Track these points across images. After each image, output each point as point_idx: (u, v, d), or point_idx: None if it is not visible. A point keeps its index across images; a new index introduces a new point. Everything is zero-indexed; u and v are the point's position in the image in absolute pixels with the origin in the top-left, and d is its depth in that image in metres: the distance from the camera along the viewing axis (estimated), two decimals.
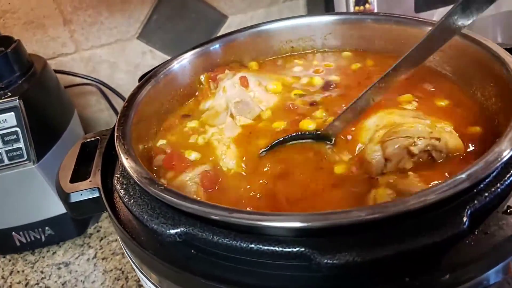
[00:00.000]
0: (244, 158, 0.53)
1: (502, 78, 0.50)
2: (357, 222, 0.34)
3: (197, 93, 0.67)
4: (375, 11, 1.03)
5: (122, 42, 1.09)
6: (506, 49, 0.55)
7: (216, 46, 0.69)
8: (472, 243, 0.37)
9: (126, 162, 0.45)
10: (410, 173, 0.46)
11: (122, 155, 0.46)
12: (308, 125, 0.55)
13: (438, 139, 0.46)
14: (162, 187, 0.40)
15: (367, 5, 1.03)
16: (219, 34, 1.15)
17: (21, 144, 0.81)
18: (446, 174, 0.45)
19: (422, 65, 0.51)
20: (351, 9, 1.02)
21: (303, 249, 0.35)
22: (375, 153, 0.47)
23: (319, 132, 0.53)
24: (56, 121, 0.92)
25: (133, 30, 1.09)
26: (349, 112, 0.52)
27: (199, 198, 0.47)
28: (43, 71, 0.91)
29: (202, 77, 0.65)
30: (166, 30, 1.11)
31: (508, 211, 0.40)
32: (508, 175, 0.40)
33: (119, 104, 1.15)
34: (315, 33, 0.72)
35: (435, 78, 0.61)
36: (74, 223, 0.91)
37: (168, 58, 1.12)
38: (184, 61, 0.65)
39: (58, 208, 0.87)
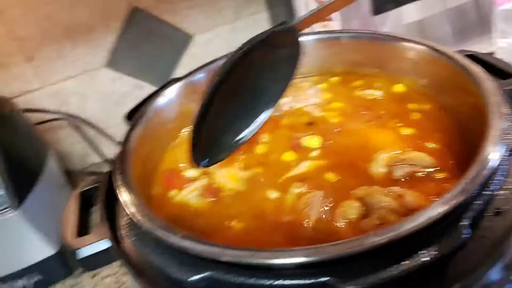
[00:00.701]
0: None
1: (470, 86, 0.54)
2: (374, 247, 0.37)
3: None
4: (335, 19, 1.06)
5: (90, 72, 1.08)
6: (466, 56, 0.60)
7: (200, 75, 0.69)
8: (472, 249, 0.41)
9: (136, 211, 0.45)
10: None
11: (131, 206, 0.46)
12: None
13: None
14: (180, 235, 0.41)
15: None
16: (187, 53, 1.16)
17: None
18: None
19: None
20: None
21: (326, 278, 0.37)
22: (379, 174, 0.53)
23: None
24: (32, 162, 0.90)
25: (100, 59, 1.08)
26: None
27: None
28: (12, 113, 0.89)
29: None
30: (134, 56, 1.10)
31: (497, 212, 0.45)
32: (494, 181, 0.44)
33: (94, 135, 1.13)
34: None
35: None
36: (63, 263, 0.88)
37: (140, 82, 1.13)
38: (171, 95, 0.65)
39: (44, 251, 0.85)
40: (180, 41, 1.14)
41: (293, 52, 0.57)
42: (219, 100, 0.53)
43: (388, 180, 0.52)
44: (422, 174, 0.52)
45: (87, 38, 1.04)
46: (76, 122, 1.10)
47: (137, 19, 1.07)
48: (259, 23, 1.19)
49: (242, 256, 0.38)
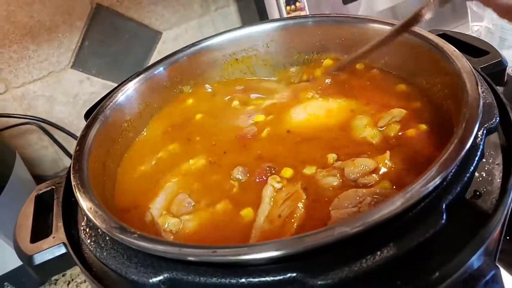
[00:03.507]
0: None
1: (443, 66, 0.52)
2: (343, 238, 0.34)
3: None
4: (306, 8, 1.04)
5: (55, 74, 1.03)
6: (438, 35, 0.58)
7: (160, 69, 0.66)
8: (451, 234, 0.38)
9: (91, 212, 0.42)
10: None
11: (84, 205, 0.43)
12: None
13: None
14: (135, 234, 0.38)
15: (297, 4, 1.04)
16: (157, 50, 1.13)
17: None
18: None
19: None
20: (283, 10, 1.03)
21: (294, 274, 0.34)
22: (376, 137, 0.54)
23: None
24: None
25: (66, 60, 1.03)
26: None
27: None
28: None
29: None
30: (100, 55, 1.06)
31: (476, 194, 0.42)
32: (471, 161, 0.42)
33: (64, 138, 1.09)
34: (258, 42, 0.71)
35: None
36: None
37: (107, 82, 1.09)
38: (130, 91, 0.62)
39: (15, 261, 0.81)
40: (149, 38, 1.11)
41: None
42: None
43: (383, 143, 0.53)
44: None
45: (50, 39, 0.99)
46: (45, 126, 1.06)
47: (102, 17, 1.03)
48: (227, 16, 1.17)
49: (203, 255, 0.35)
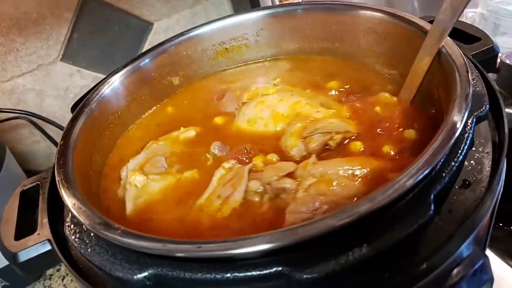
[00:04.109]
0: None
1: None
2: (329, 231, 0.33)
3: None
4: None
5: (45, 67, 1.02)
6: (430, 22, 0.56)
7: (146, 60, 0.65)
8: (440, 224, 0.38)
9: (75, 208, 0.41)
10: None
11: (68, 201, 0.42)
12: None
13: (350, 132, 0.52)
14: (119, 230, 0.38)
15: None
16: (148, 41, 1.11)
17: None
18: None
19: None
20: None
21: (280, 268, 0.34)
22: (295, 148, 0.51)
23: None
24: None
25: (55, 53, 1.01)
26: None
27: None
28: None
29: None
30: (90, 47, 1.04)
31: (465, 183, 0.42)
32: (460, 150, 0.41)
33: (55, 132, 1.08)
34: (247, 31, 0.70)
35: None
36: None
37: (98, 75, 1.08)
38: (116, 83, 0.61)
39: None
40: (139, 29, 1.09)
41: None
42: None
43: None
44: (334, 143, 0.51)
45: (38, 31, 0.97)
46: (35, 120, 1.04)
47: (90, 8, 1.01)
48: (219, 6, 1.15)
49: (187, 250, 0.35)
